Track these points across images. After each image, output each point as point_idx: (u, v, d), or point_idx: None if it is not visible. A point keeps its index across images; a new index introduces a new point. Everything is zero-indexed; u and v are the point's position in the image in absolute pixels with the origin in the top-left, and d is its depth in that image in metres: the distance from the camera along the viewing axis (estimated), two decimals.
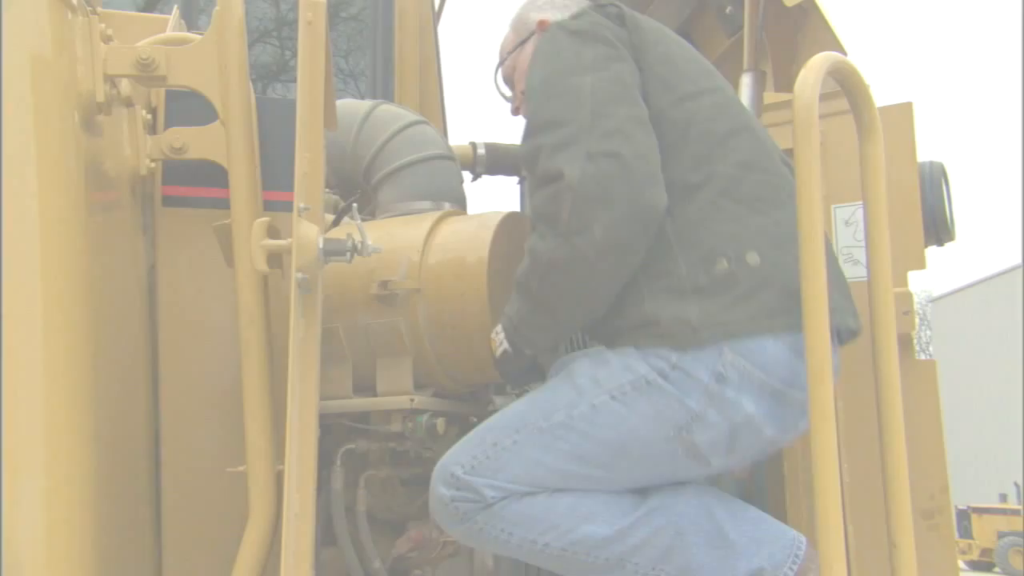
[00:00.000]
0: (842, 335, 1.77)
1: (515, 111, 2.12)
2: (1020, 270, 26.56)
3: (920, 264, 2.06)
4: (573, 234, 1.61)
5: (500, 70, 2.14)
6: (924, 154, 2.14)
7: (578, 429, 1.66)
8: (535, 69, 1.80)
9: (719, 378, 1.62)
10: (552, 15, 2.01)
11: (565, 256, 1.63)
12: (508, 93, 2.14)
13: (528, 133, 1.75)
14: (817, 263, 1.59)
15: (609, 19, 1.81)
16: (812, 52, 2.01)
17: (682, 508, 1.69)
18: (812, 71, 1.68)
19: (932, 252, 2.22)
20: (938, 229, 2.15)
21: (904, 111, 2.12)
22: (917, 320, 2.08)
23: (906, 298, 2.01)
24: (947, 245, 2.19)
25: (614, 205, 1.59)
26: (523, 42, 2.05)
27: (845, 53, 2.19)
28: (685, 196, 1.68)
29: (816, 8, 2.25)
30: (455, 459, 1.70)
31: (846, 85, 1.78)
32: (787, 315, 1.63)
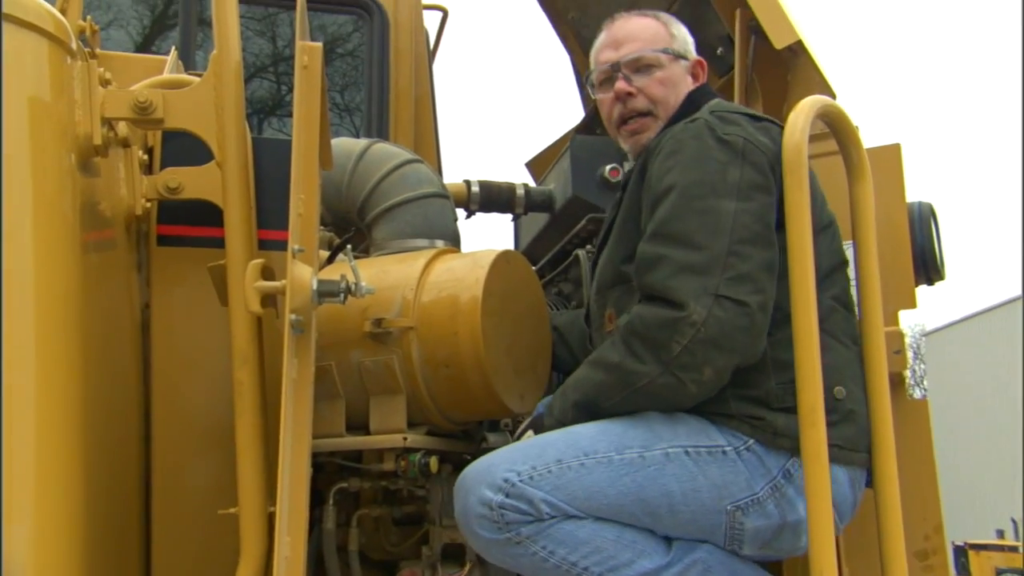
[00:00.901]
0: None
1: (630, 95, 1.97)
2: (1017, 303, 26.65)
3: (911, 303, 2.07)
4: (681, 369, 1.63)
5: (645, 50, 1.98)
6: (913, 194, 2.17)
7: (646, 471, 1.66)
8: (676, 165, 1.73)
9: (786, 475, 1.67)
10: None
11: (665, 385, 1.65)
12: (625, 73, 1.98)
13: (655, 235, 1.71)
14: (809, 301, 1.61)
15: (770, 137, 1.77)
16: (802, 94, 2.05)
17: (710, 547, 1.72)
18: (801, 114, 1.70)
19: (923, 289, 2.24)
20: (928, 268, 2.17)
21: (892, 152, 2.15)
22: (911, 355, 2.09)
23: (897, 337, 2.02)
24: (937, 284, 2.21)
25: (731, 354, 1.62)
26: (679, 57, 2.01)
27: (834, 95, 2.22)
28: (785, 321, 1.70)
29: (805, 51, 2.29)
30: (508, 465, 1.65)
31: (835, 128, 1.81)
32: (858, 452, 1.71)
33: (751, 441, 1.67)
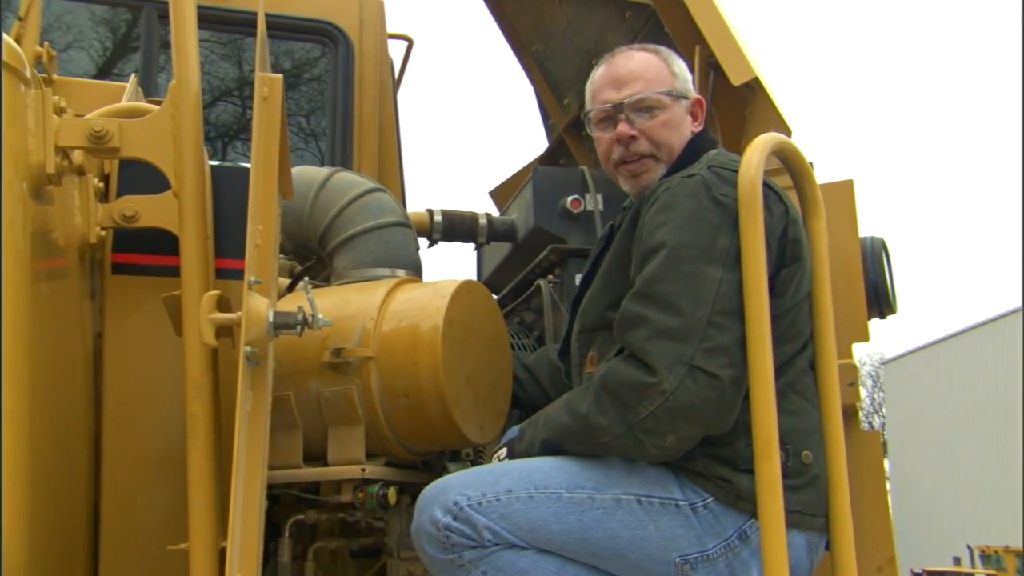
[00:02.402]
0: None
1: (632, 139, 1.93)
2: (968, 333, 27.22)
3: (864, 336, 2.11)
4: (644, 432, 1.63)
5: (648, 91, 1.93)
6: (866, 229, 2.21)
7: (594, 513, 1.67)
8: (668, 222, 1.72)
9: (742, 536, 1.68)
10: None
11: (624, 445, 1.67)
12: (629, 114, 1.93)
13: (639, 294, 1.70)
14: (763, 329, 1.63)
15: (779, 200, 1.78)
16: (759, 129, 2.09)
17: None
18: (756, 151, 1.73)
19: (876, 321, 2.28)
20: (880, 302, 2.21)
21: (846, 188, 2.19)
22: (870, 383, 2.12)
23: (850, 370, 2.05)
24: (889, 317, 2.25)
25: (697, 425, 1.63)
26: (679, 97, 1.96)
27: (790, 131, 2.27)
28: None
29: (762, 87, 2.34)
30: (461, 489, 1.68)
31: (789, 164, 1.85)
32: (818, 517, 1.72)
33: (710, 499, 1.68)
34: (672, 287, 1.66)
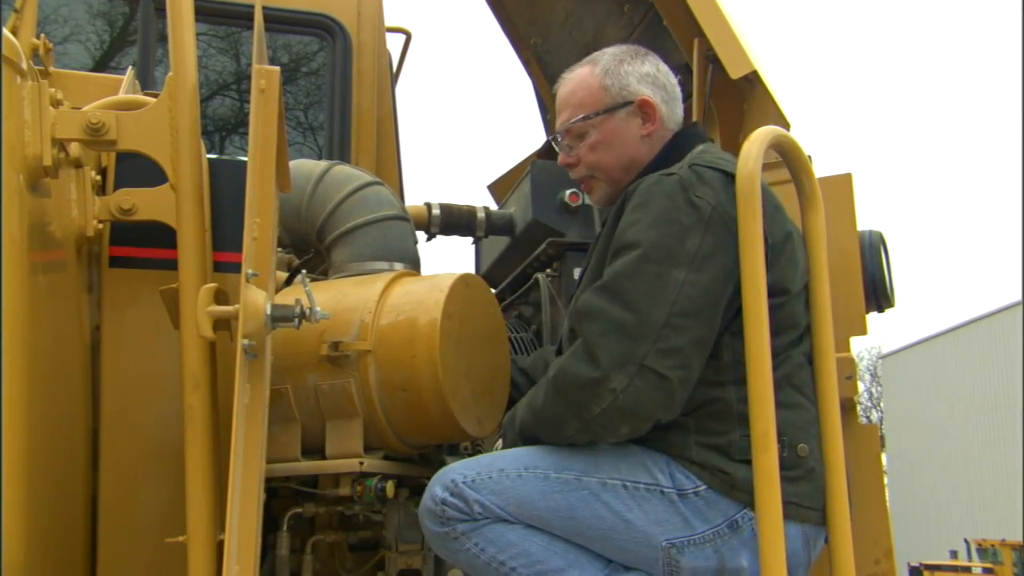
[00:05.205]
0: None
1: (571, 166, 2.00)
2: (967, 328, 27.25)
3: (862, 330, 2.11)
4: (599, 427, 1.69)
5: (570, 121, 1.96)
6: (864, 223, 2.21)
7: (580, 494, 1.73)
8: (641, 219, 1.72)
9: (732, 525, 1.69)
10: (654, 94, 1.92)
11: (585, 438, 1.73)
12: (566, 143, 2.00)
13: (601, 287, 1.71)
14: (761, 325, 1.63)
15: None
16: (757, 123, 2.08)
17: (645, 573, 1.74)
18: (755, 144, 1.73)
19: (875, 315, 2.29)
20: (878, 296, 2.21)
21: (844, 182, 2.19)
22: (868, 378, 2.12)
23: (848, 364, 2.06)
24: (887, 311, 2.25)
25: (646, 420, 1.68)
26: (613, 109, 1.93)
27: (788, 124, 2.27)
28: None
29: (761, 81, 2.33)
30: (460, 469, 1.79)
31: (787, 157, 1.84)
32: (815, 510, 1.74)
33: (703, 487, 1.69)
34: (634, 285, 1.68)
